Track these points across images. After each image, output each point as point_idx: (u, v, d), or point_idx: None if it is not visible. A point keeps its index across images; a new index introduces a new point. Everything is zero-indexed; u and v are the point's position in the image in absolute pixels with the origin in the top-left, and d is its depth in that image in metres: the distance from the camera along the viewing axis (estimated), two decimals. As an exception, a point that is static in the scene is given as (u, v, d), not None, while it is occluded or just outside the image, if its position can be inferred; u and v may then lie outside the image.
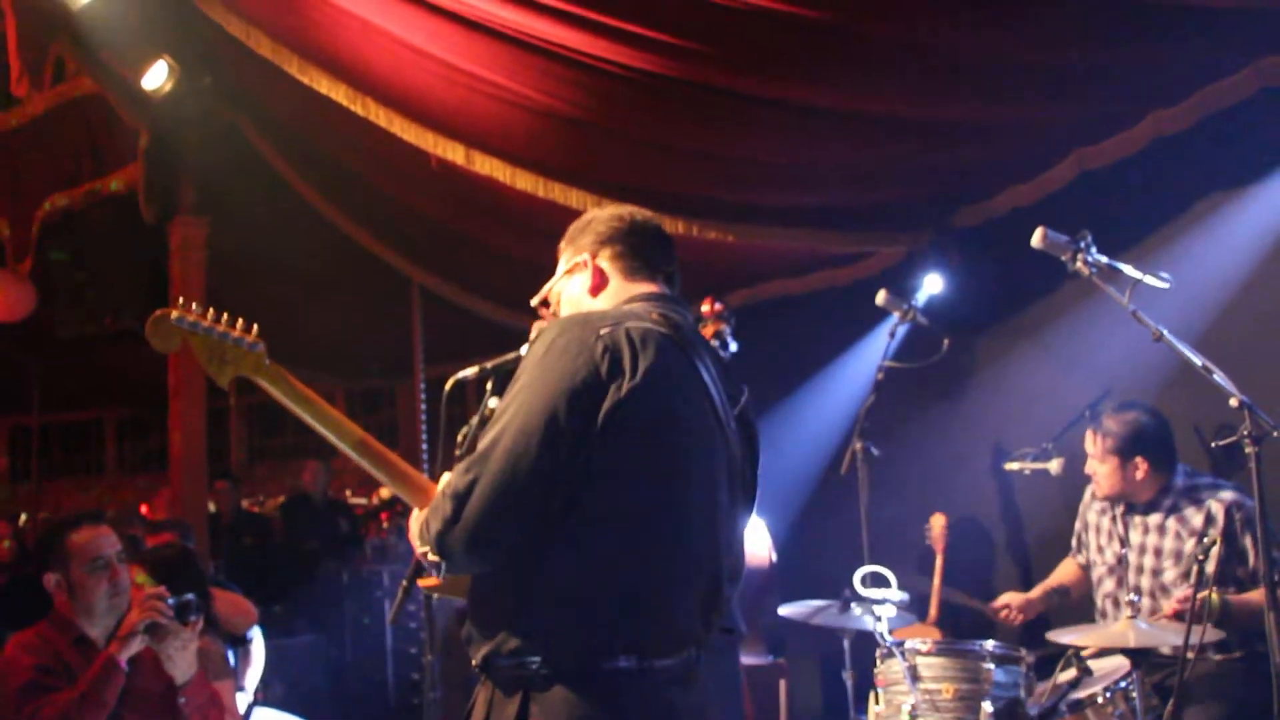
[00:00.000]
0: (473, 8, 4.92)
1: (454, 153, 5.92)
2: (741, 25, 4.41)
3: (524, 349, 2.37)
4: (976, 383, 5.83)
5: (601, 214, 2.64)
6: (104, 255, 9.58)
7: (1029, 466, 5.11)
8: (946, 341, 5.09)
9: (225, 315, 2.60)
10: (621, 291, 2.51)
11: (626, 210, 2.65)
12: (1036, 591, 4.80)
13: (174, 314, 2.53)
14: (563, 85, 5.22)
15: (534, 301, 2.71)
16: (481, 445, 2.20)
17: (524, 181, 5.86)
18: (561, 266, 2.64)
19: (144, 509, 10.02)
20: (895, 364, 5.20)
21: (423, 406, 9.64)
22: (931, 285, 5.53)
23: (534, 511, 2.16)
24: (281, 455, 14.18)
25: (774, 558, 5.87)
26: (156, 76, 7.41)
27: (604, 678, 2.15)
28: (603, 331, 2.23)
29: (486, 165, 5.89)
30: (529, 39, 4.95)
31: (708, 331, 4.56)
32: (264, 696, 6.01)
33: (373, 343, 10.58)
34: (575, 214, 5.77)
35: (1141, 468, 4.31)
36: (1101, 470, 4.39)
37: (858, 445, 5.13)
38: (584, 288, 2.55)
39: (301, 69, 6.10)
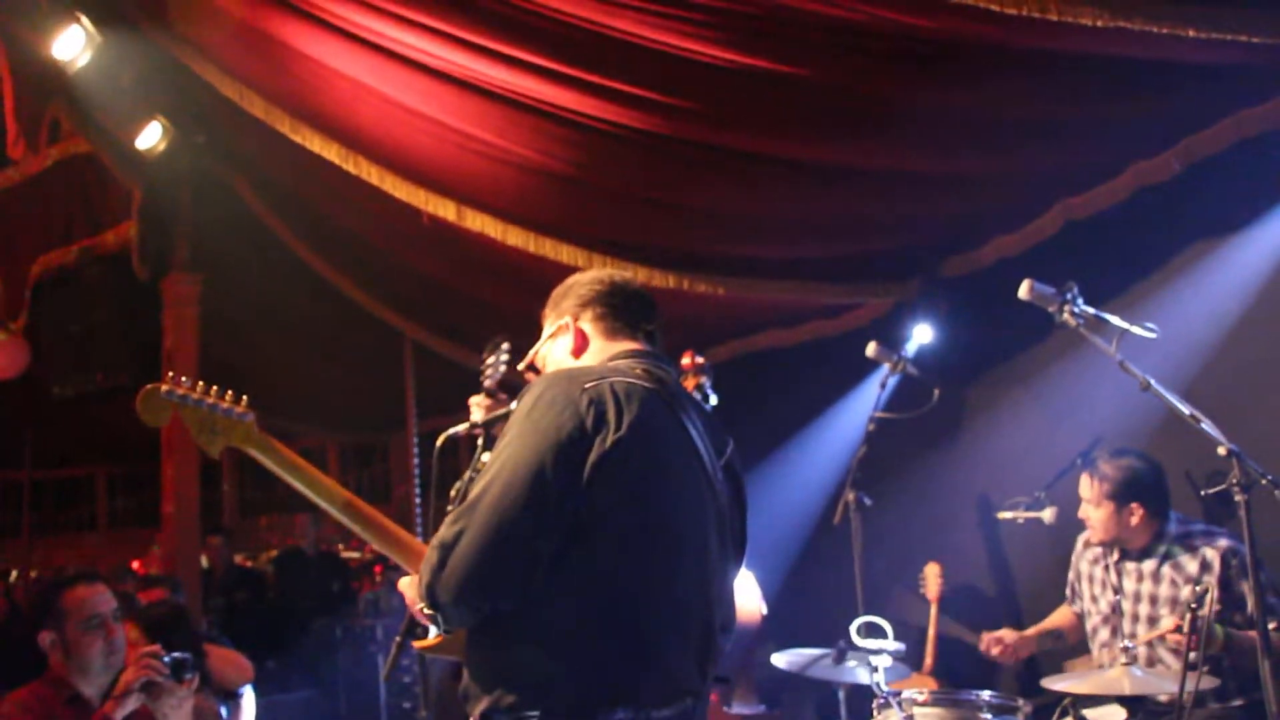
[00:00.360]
0: (463, 68, 4.99)
1: (445, 209, 5.98)
2: (731, 83, 4.48)
3: (514, 404, 2.40)
4: (967, 432, 5.85)
5: (583, 278, 2.70)
6: (97, 313, 9.59)
7: (1022, 515, 5.12)
8: (937, 392, 5.12)
9: (214, 387, 2.66)
10: (604, 351, 2.56)
11: (606, 273, 2.72)
12: (1031, 631, 4.80)
13: (164, 388, 2.60)
14: (553, 142, 5.29)
15: (521, 366, 2.75)
16: (470, 497, 2.23)
17: (515, 237, 5.91)
18: (546, 331, 2.70)
19: (136, 565, 9.97)
20: (886, 414, 5.22)
21: (415, 460, 9.64)
22: (921, 335, 5.57)
23: (521, 563, 2.18)
24: (274, 509, 14.14)
25: (764, 609, 5.87)
26: (150, 136, 7.49)
27: None
28: (587, 386, 2.27)
29: (478, 221, 5.95)
30: (519, 98, 5.02)
31: (688, 385, 4.60)
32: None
33: (366, 397, 10.61)
34: (567, 269, 5.92)
35: (1137, 514, 4.32)
36: (1096, 515, 4.40)
37: (850, 495, 5.14)
38: (567, 350, 2.61)
39: (294, 128, 6.17)
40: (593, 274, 2.71)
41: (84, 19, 6.44)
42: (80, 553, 14.20)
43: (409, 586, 2.47)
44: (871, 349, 5.19)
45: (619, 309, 2.62)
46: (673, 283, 5.84)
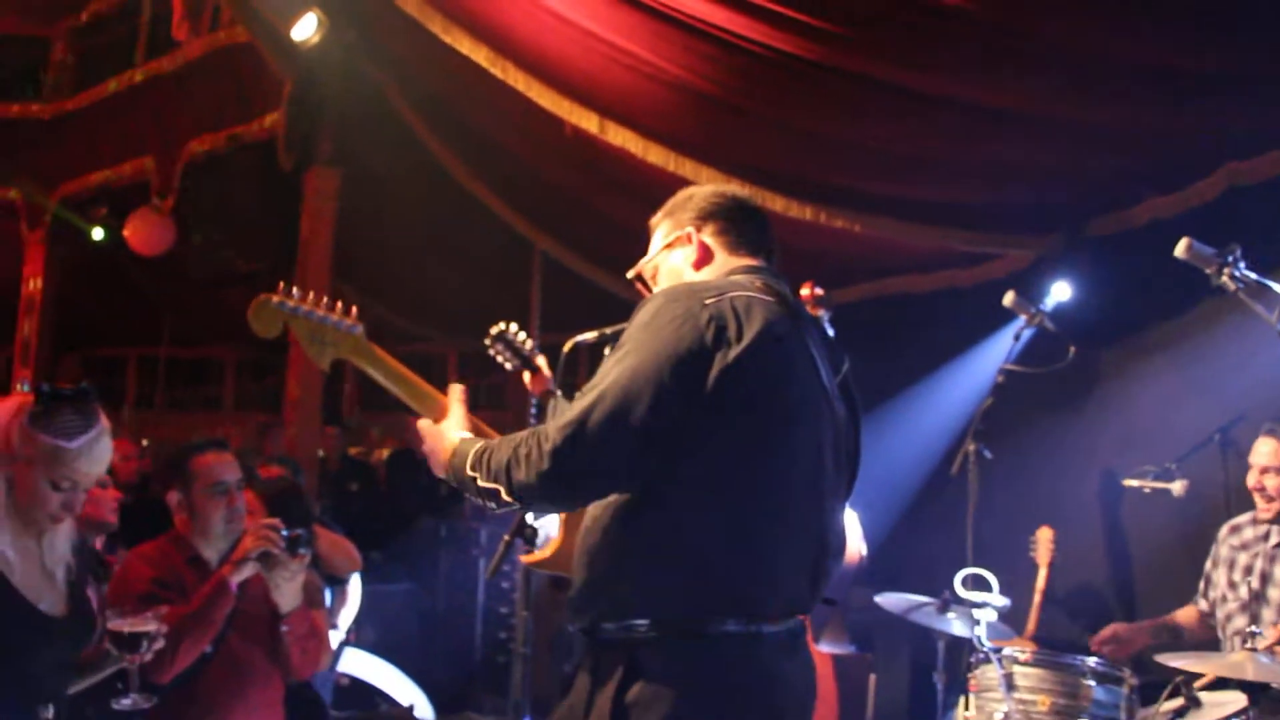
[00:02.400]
0: (618, -23, 4.95)
1: (588, 121, 5.96)
2: (890, 12, 4.35)
3: (632, 318, 2.36)
4: (1100, 395, 5.67)
5: (701, 190, 2.63)
6: (240, 199, 9.86)
7: (1150, 485, 4.92)
8: (1072, 349, 4.96)
9: (324, 298, 2.65)
10: (724, 265, 2.50)
11: (726, 188, 2.65)
12: (1146, 624, 4.60)
13: (274, 299, 2.60)
14: (702, 61, 5.21)
15: (630, 274, 2.69)
16: (582, 404, 2.16)
17: (655, 155, 5.87)
18: (659, 240, 2.63)
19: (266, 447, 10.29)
20: (1017, 368, 5.08)
21: (536, 349, 9.70)
22: (1059, 292, 5.39)
23: (633, 470, 2.15)
24: (393, 408, 14.41)
25: (864, 550, 5.81)
26: (305, 28, 7.60)
27: (710, 640, 2.15)
28: (708, 301, 2.22)
29: (619, 136, 5.92)
30: (672, 12, 4.95)
31: (805, 314, 4.50)
32: (355, 638, 6.16)
33: (491, 305, 10.68)
34: (704, 191, 5.85)
35: None
36: (1275, 483, 4.20)
37: (971, 447, 5.03)
38: (687, 261, 2.54)
39: (445, 29, 6.19)
40: (712, 188, 2.64)
41: (252, -94, 6.54)
42: (207, 429, 14.73)
43: (433, 436, 2.48)
44: (1009, 298, 5.04)
45: (741, 225, 2.56)
46: (809, 214, 5.75)
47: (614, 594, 2.21)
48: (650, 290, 2.60)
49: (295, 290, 2.64)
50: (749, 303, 2.25)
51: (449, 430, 2.47)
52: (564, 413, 2.18)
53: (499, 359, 4.09)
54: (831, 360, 2.45)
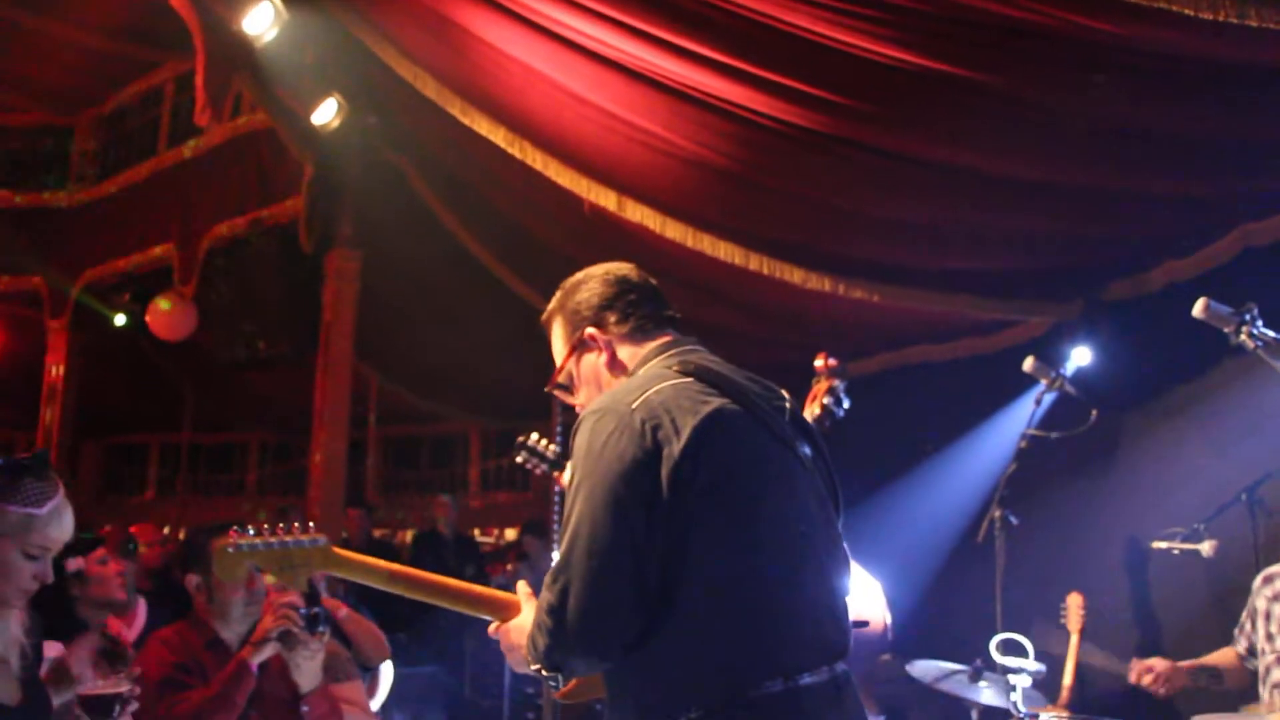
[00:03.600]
0: (635, 58, 5.04)
1: (606, 199, 6.04)
2: (906, 85, 4.42)
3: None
4: (1123, 458, 5.65)
5: (586, 282, 2.56)
6: (262, 283, 9.98)
7: (1178, 546, 4.87)
8: (1095, 413, 4.95)
9: (280, 524, 2.64)
10: (635, 356, 2.47)
11: (607, 270, 2.57)
12: (1186, 664, 4.53)
13: (230, 544, 2.58)
14: (718, 137, 5.29)
15: (547, 389, 2.65)
16: (560, 552, 2.19)
17: (674, 230, 5.93)
18: (558, 344, 2.59)
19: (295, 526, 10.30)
20: (1040, 432, 5.06)
21: (557, 449, 9.72)
22: (1080, 357, 5.39)
23: (631, 599, 2.15)
24: (415, 488, 14.48)
25: (889, 619, 5.76)
26: (326, 112, 7.77)
27: (755, 706, 2.13)
28: (634, 406, 2.21)
29: (638, 213, 5.98)
30: (689, 90, 5.04)
31: (820, 388, 4.52)
32: (383, 723, 6.10)
33: (512, 382, 10.75)
34: (723, 265, 5.91)
35: None
36: None
37: (997, 513, 5.00)
38: (600, 363, 2.51)
39: (464, 111, 6.31)
40: (595, 276, 2.56)
41: (275, -5, 6.72)
42: (230, 514, 14.74)
43: (517, 636, 2.45)
44: (1029, 363, 5.04)
45: (637, 308, 2.51)
46: (828, 286, 5.79)
47: (651, 705, 2.19)
48: (569, 395, 2.60)
49: (248, 528, 2.63)
50: (674, 393, 2.24)
51: (522, 622, 2.44)
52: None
53: (528, 466, 4.26)
54: (770, 401, 2.43)
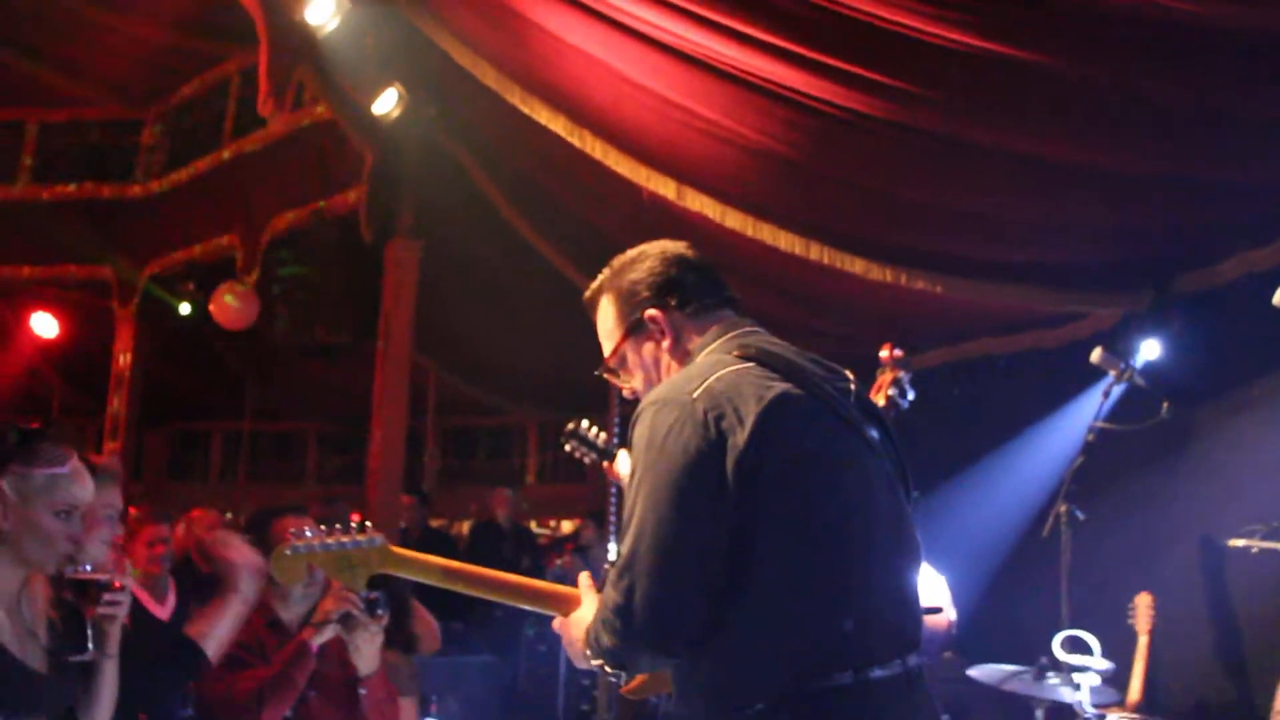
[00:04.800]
0: (694, 43, 4.99)
1: (665, 187, 6.00)
2: (970, 71, 4.32)
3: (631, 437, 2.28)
4: (1195, 453, 5.50)
5: (641, 261, 2.44)
6: (323, 272, 10.06)
7: (1258, 545, 4.70)
8: (1166, 405, 4.82)
9: (338, 524, 2.63)
10: (697, 339, 2.37)
11: (664, 249, 2.46)
12: None
13: (288, 547, 2.58)
14: (778, 124, 5.22)
15: (598, 373, 2.55)
16: (624, 550, 2.12)
17: (733, 220, 5.87)
18: (612, 324, 2.47)
19: (355, 516, 10.40)
20: (1108, 425, 4.93)
21: (615, 442, 9.71)
22: (1149, 351, 5.26)
23: (700, 595, 2.09)
24: (473, 479, 14.57)
25: (953, 616, 5.66)
26: (386, 102, 7.79)
27: (824, 698, 2.07)
28: (696, 395, 2.13)
29: (697, 202, 5.94)
30: (747, 76, 4.98)
31: (885, 379, 4.44)
32: (437, 709, 6.12)
33: (569, 375, 10.74)
34: (784, 255, 5.84)
35: None
36: None
37: (1062, 508, 4.88)
38: (661, 348, 2.41)
39: (524, 99, 6.30)
40: (654, 254, 2.44)
41: (337, -15, 6.74)
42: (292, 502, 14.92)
43: (577, 629, 2.37)
44: (1096, 355, 4.92)
45: (698, 288, 2.41)
46: (890, 277, 5.71)
47: (718, 695, 2.14)
48: (621, 380, 2.51)
49: (305, 529, 2.62)
50: (736, 380, 2.16)
51: (582, 615, 2.37)
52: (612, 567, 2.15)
53: (576, 454, 4.17)
54: (836, 385, 2.34)
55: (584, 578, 2.48)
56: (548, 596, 2.54)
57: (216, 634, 3.24)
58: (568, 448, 4.15)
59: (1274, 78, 4.05)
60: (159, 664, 3.18)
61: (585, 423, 4.18)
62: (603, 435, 4.10)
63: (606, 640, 2.15)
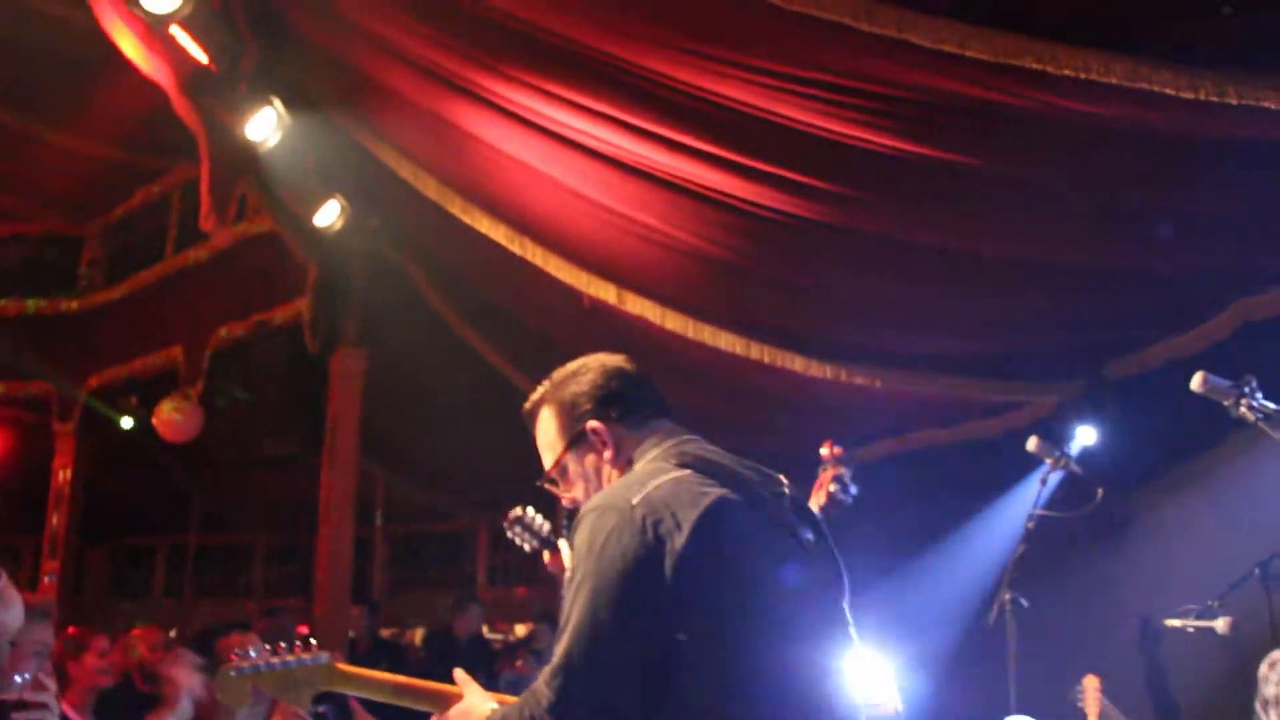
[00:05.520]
0: (630, 152, 5.12)
1: (606, 292, 6.09)
2: (897, 171, 4.48)
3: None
4: (1133, 536, 5.62)
5: (586, 374, 2.49)
6: (267, 383, 10.02)
7: (1192, 624, 4.79)
8: (1101, 491, 4.92)
9: (283, 641, 2.62)
10: (636, 449, 2.42)
11: (605, 364, 2.51)
12: None
13: (232, 669, 2.57)
14: (714, 228, 5.35)
15: (539, 483, 2.57)
16: (559, 651, 2.14)
17: (674, 322, 5.97)
18: (553, 435, 2.51)
19: (302, 629, 10.22)
20: (1047, 513, 5.03)
21: (556, 533, 9.65)
22: (1084, 436, 5.39)
23: (635, 695, 2.11)
24: (423, 584, 14.40)
25: (900, 705, 5.66)
26: (328, 214, 7.87)
27: None
28: (635, 502, 2.17)
29: (637, 305, 6.04)
30: (683, 182, 5.11)
31: (826, 476, 4.51)
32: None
33: (521, 479, 10.70)
34: (724, 355, 5.93)
35: None
36: None
37: (1006, 596, 4.95)
38: (602, 458, 2.45)
39: (465, 209, 6.40)
40: (591, 367, 2.50)
41: (277, 102, 6.84)
42: (235, 616, 14.62)
43: (459, 714, 2.41)
44: (1032, 443, 5.03)
45: (636, 399, 2.47)
46: (830, 373, 5.83)
47: None
48: (561, 490, 2.53)
49: (251, 649, 2.62)
50: (674, 488, 2.21)
51: (472, 708, 2.41)
52: (548, 666, 2.15)
53: (518, 541, 4.15)
54: (770, 488, 2.41)
55: (459, 672, 2.50)
56: (437, 695, 2.53)
57: None
58: (510, 534, 4.12)
59: (1187, 173, 4.25)
60: None
61: (531, 510, 4.15)
62: (547, 525, 4.08)
63: None
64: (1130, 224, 4.67)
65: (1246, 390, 3.28)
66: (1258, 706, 4.29)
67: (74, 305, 11.56)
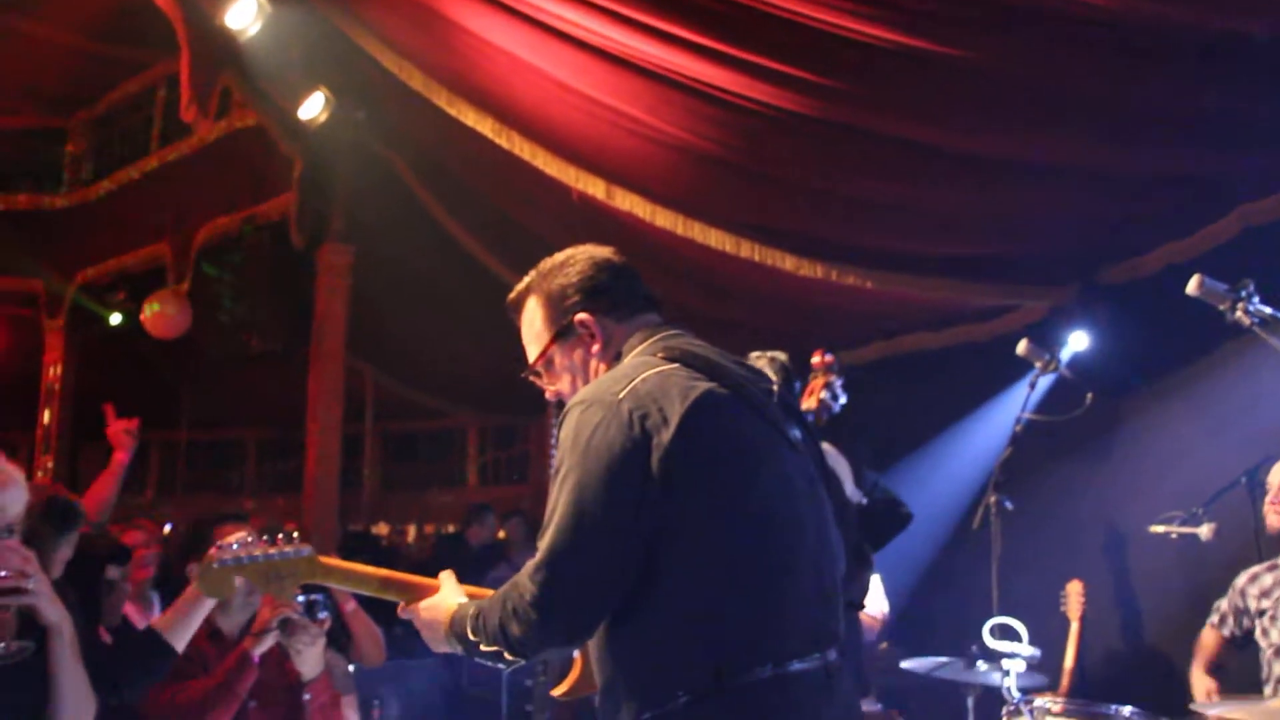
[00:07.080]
0: (620, 44, 4.98)
1: (595, 188, 5.99)
2: (891, 65, 4.36)
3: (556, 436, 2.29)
4: (1120, 441, 5.58)
5: (574, 265, 2.45)
6: (254, 279, 9.95)
7: (1177, 530, 4.78)
8: (1090, 396, 4.89)
9: (264, 536, 2.59)
10: (623, 342, 2.40)
11: (595, 254, 2.48)
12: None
13: (214, 560, 2.52)
14: (705, 122, 5.23)
15: (524, 375, 2.56)
16: (545, 544, 2.14)
17: (663, 219, 5.88)
18: (539, 325, 2.48)
19: (291, 527, 10.26)
20: (1035, 417, 5.00)
21: (554, 442, 9.67)
22: (1076, 342, 5.34)
23: (618, 589, 2.13)
24: (413, 483, 14.50)
25: (887, 609, 5.72)
26: (313, 107, 7.72)
27: (744, 692, 2.09)
28: (621, 395, 2.16)
29: (626, 201, 5.94)
30: (673, 75, 4.99)
31: (817, 383, 4.51)
32: (380, 714, 6.07)
33: (508, 378, 10.67)
34: (714, 253, 5.85)
35: None
36: None
37: (992, 499, 4.94)
38: (590, 351, 2.42)
39: (450, 102, 6.27)
40: (579, 258, 2.46)
41: (256, -11, 6.66)
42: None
43: (428, 611, 2.42)
44: (1022, 347, 4.99)
45: (624, 292, 2.44)
46: (820, 273, 5.74)
47: (642, 688, 2.15)
48: (546, 382, 2.52)
49: (232, 541, 2.57)
50: (660, 381, 2.19)
51: (444, 600, 2.42)
52: (533, 559, 2.15)
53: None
54: (760, 384, 2.37)
55: (445, 574, 2.49)
56: (416, 587, 2.52)
57: (177, 629, 3.15)
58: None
59: (1186, 70, 4.12)
60: (125, 660, 3.11)
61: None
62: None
63: (516, 630, 2.15)
64: (1133, 125, 4.54)
65: (1244, 294, 3.22)
66: (1221, 605, 4.27)
67: (60, 200, 11.40)
